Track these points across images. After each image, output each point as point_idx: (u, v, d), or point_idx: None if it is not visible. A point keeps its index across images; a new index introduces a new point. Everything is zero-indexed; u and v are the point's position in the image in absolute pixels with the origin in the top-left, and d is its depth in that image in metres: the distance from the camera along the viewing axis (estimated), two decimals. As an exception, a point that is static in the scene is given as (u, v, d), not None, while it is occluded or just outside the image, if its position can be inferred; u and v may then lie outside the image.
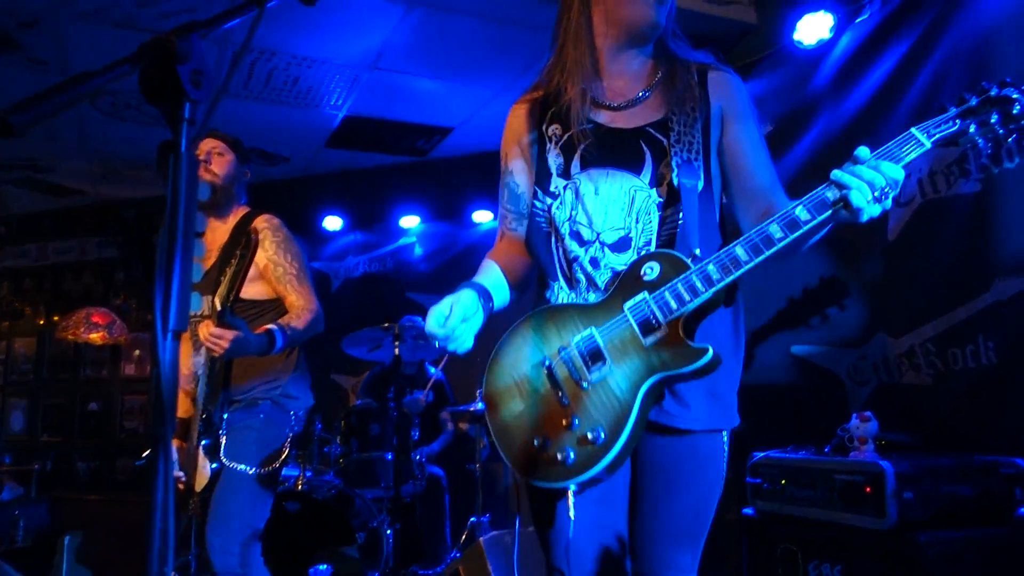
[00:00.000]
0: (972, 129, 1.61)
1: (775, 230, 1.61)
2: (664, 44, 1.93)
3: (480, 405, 4.85)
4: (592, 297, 1.81)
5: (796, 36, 3.85)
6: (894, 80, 3.54)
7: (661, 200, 1.80)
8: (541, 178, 1.92)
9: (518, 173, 2.00)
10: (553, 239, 1.91)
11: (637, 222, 1.81)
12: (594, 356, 1.72)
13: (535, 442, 1.72)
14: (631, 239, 1.81)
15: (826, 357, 3.79)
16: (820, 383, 3.79)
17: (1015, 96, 1.61)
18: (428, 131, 6.08)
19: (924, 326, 3.34)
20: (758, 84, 4.24)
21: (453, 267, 6.69)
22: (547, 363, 1.76)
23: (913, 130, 1.62)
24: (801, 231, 1.60)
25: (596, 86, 1.89)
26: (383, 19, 4.47)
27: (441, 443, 5.49)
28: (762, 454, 3.28)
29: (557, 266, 1.89)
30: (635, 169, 1.82)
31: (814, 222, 1.59)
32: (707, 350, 1.63)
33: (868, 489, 2.72)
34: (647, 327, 1.69)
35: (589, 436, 1.67)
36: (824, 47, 3.86)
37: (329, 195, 6.95)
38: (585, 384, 1.72)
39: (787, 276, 3.87)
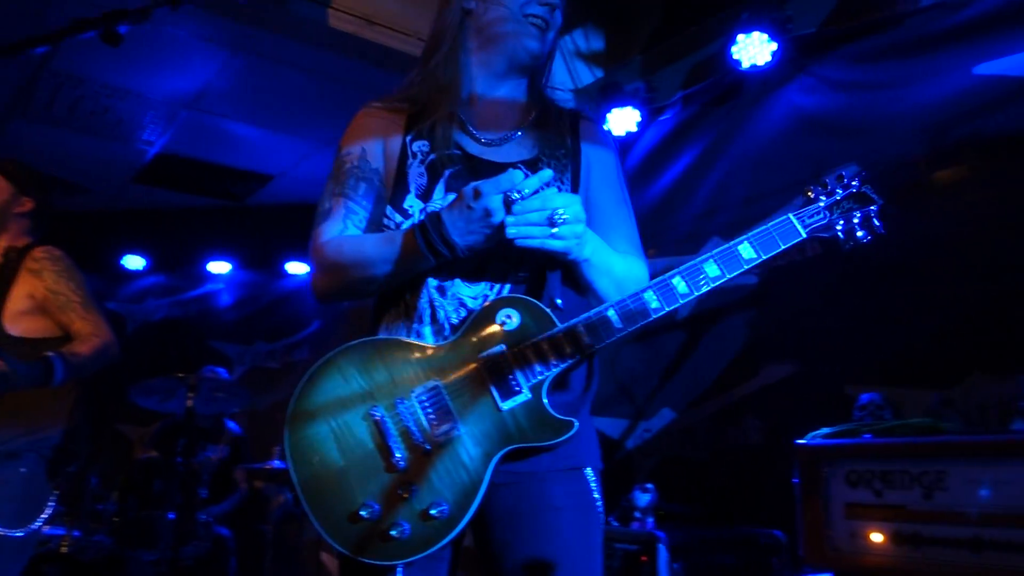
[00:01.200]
0: (840, 225, 1.62)
1: (651, 299, 1.52)
2: (539, 84, 1.85)
3: (277, 462, 4.68)
4: (430, 332, 1.61)
5: (606, 127, 4.13)
6: (689, 174, 3.89)
7: None
8: (396, 192, 1.72)
9: (379, 172, 1.76)
10: None
11: (495, 254, 1.64)
12: (440, 414, 1.51)
13: (362, 512, 1.46)
14: (486, 270, 1.64)
15: (616, 428, 3.99)
16: (608, 453, 3.98)
17: (872, 195, 1.65)
18: (246, 177, 5.92)
19: (705, 403, 3.62)
20: (572, 166, 4.50)
21: (262, 317, 6.47)
22: (378, 415, 1.51)
23: (790, 216, 1.60)
24: (676, 306, 1.54)
25: (466, 111, 1.77)
26: (207, 60, 4.35)
27: (232, 502, 5.21)
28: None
29: (397, 290, 1.69)
30: None
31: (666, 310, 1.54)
32: (572, 425, 1.50)
33: (644, 558, 2.87)
34: (506, 389, 1.51)
35: (432, 511, 1.45)
36: (631, 138, 4.17)
37: (132, 232, 6.55)
38: (428, 446, 1.49)
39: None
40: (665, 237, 3.97)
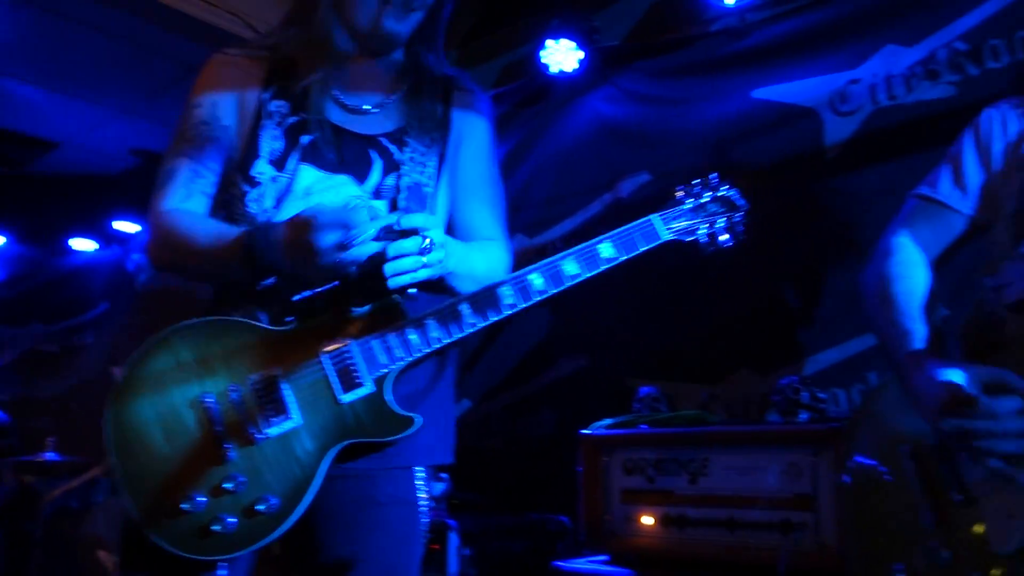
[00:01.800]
0: (704, 229, 1.60)
1: (506, 293, 1.48)
2: (416, 56, 1.70)
3: (51, 454, 4.33)
4: (271, 316, 1.50)
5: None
6: (505, 166, 3.98)
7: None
8: (247, 156, 1.58)
9: (230, 130, 1.61)
10: None
11: None
12: (276, 404, 1.42)
13: (184, 504, 1.37)
14: None
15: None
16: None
17: (737, 200, 1.64)
18: (26, 142, 5.41)
19: (501, 395, 3.73)
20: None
21: (39, 296, 5.95)
22: (208, 401, 1.41)
23: (652, 217, 1.57)
24: (532, 302, 1.50)
25: (336, 72, 1.62)
26: (-18, 10, 3.93)
27: (-5, 498, 4.75)
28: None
29: None
30: (359, 177, 1.59)
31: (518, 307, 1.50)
32: (412, 421, 1.44)
33: (435, 546, 2.92)
34: (348, 381, 1.44)
35: (259, 507, 1.38)
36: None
37: None
38: (259, 437, 1.41)
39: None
40: (472, 231, 4.04)
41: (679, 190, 1.63)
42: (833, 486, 2.13)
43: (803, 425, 2.38)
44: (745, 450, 2.36)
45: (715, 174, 1.67)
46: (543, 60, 3.67)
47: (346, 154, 1.59)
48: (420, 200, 1.58)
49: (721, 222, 1.62)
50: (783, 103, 3.13)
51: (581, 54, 3.61)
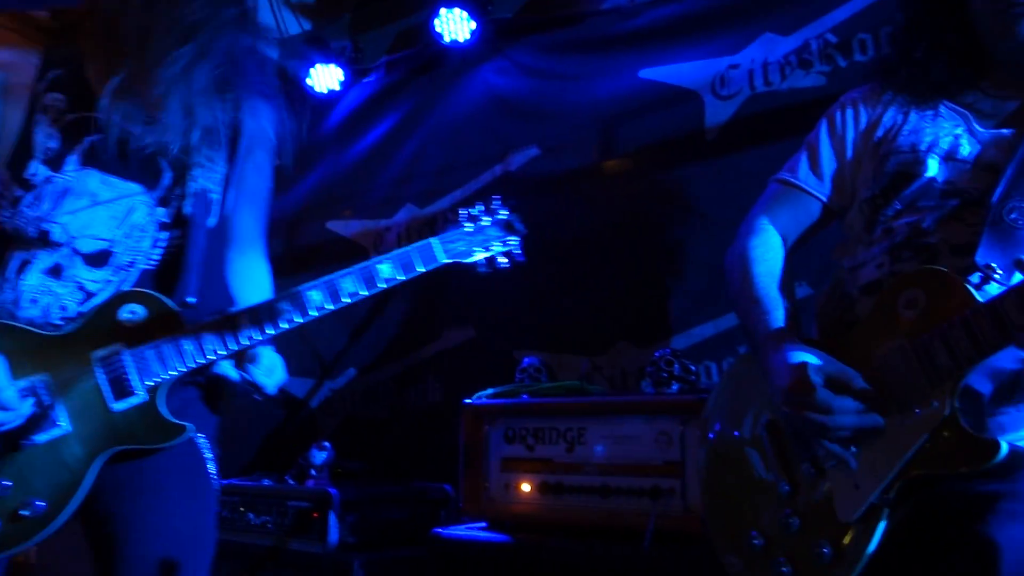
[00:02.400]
0: (481, 251, 1.68)
1: (286, 308, 1.52)
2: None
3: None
4: (42, 318, 1.48)
5: (309, 81, 4.05)
6: (388, 140, 3.95)
7: (165, 222, 1.59)
8: (18, 154, 1.50)
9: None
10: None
11: (128, 237, 1.55)
12: (44, 409, 1.43)
13: None
14: (113, 254, 1.54)
15: (302, 387, 3.98)
16: (293, 413, 3.97)
17: (517, 225, 1.73)
18: None
19: (388, 365, 3.73)
20: (272, 118, 4.35)
21: None
22: None
23: (432, 241, 1.63)
24: (310, 318, 1.54)
25: (123, 73, 1.54)
26: None
27: None
28: (224, 481, 3.29)
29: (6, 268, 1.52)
30: (147, 184, 1.58)
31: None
32: (184, 429, 1.47)
33: (316, 515, 2.91)
34: (119, 389, 1.45)
35: (23, 511, 1.38)
36: (334, 96, 4.13)
37: None
38: (26, 443, 1.40)
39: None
40: (362, 200, 4.00)
41: (460, 214, 1.70)
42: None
43: (673, 396, 2.49)
44: (620, 419, 2.44)
45: (498, 198, 1.74)
46: (437, 29, 3.63)
47: (134, 160, 1.56)
48: (206, 206, 1.60)
49: (498, 246, 1.70)
50: (668, 84, 3.22)
51: (474, 24, 3.60)
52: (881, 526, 1.33)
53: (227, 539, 3.12)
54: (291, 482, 3.19)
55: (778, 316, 1.55)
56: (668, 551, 2.10)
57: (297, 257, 4.14)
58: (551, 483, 2.53)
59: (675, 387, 2.53)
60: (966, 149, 1.46)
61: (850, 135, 1.64)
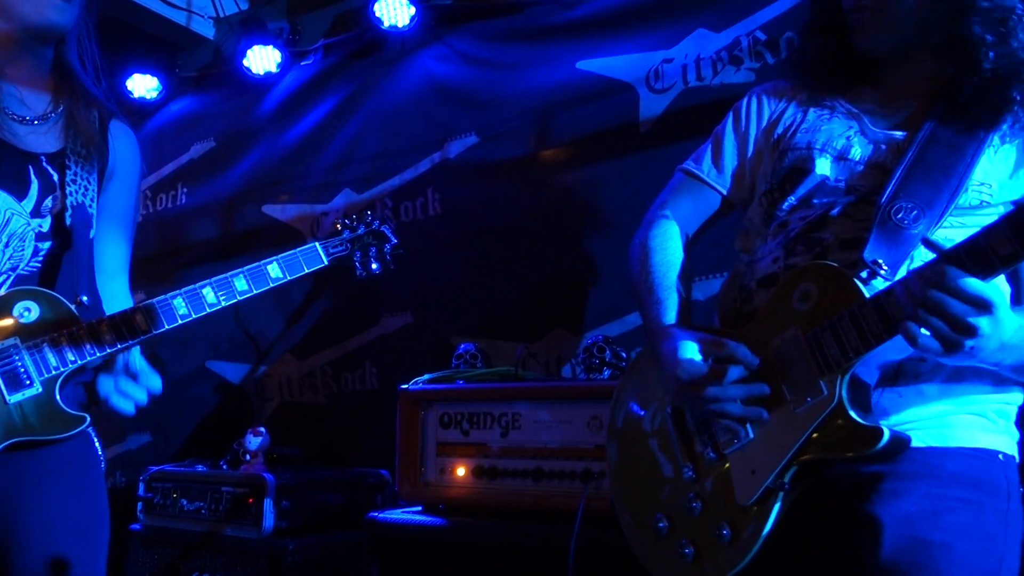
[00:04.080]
0: (357, 256, 1.95)
1: (179, 305, 1.64)
2: (67, 65, 1.75)
3: None
4: None
5: (246, 63, 3.99)
6: (326, 124, 3.92)
7: (43, 231, 1.66)
8: None
9: None
10: None
11: (7, 246, 1.62)
12: None
13: None
14: None
15: (236, 373, 3.95)
16: (228, 398, 3.94)
17: (389, 235, 2.00)
18: None
19: (326, 350, 3.72)
20: (207, 98, 4.27)
21: None
22: None
23: (316, 244, 1.86)
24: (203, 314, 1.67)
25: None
26: None
27: None
28: (157, 468, 3.26)
29: None
30: (17, 195, 1.64)
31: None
32: (84, 419, 1.55)
33: (251, 500, 2.91)
34: (14, 382, 1.51)
35: None
36: (271, 79, 4.07)
37: None
38: None
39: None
40: (299, 184, 3.97)
41: (340, 223, 1.97)
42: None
43: (604, 381, 2.56)
44: (553, 404, 2.50)
45: (369, 211, 2.03)
46: (376, 13, 3.62)
47: (4, 168, 1.62)
48: (86, 220, 1.67)
49: (372, 252, 1.98)
50: (605, 76, 3.27)
51: (413, 10, 3.59)
52: (776, 508, 1.40)
53: (161, 525, 3.13)
54: (225, 468, 3.18)
55: (671, 307, 1.60)
56: (599, 531, 2.17)
57: (233, 241, 4.10)
58: (486, 467, 2.58)
59: (607, 373, 2.60)
60: (857, 151, 1.51)
61: (752, 130, 1.68)
